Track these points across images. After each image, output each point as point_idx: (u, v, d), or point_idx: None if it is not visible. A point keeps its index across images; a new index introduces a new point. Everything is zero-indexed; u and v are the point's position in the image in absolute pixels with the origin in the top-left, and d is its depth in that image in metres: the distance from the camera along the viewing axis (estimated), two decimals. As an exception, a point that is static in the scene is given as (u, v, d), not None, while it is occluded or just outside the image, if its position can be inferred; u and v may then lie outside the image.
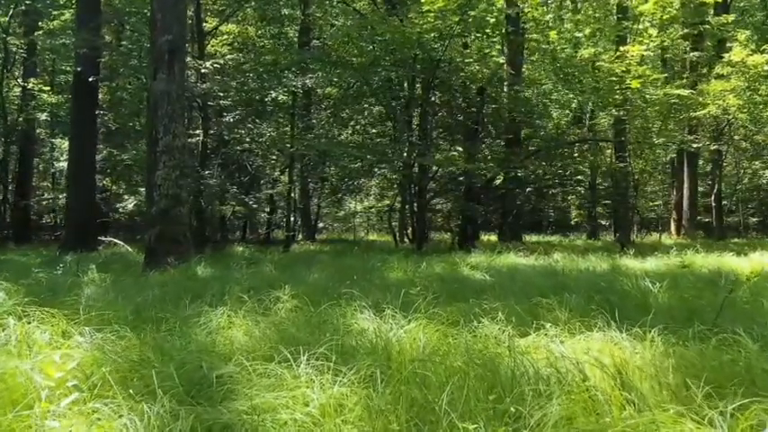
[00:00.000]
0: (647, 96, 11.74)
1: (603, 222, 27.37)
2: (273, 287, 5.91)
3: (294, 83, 15.21)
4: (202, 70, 13.84)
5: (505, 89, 17.50)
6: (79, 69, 14.22)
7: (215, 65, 14.07)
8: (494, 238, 21.85)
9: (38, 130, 22.56)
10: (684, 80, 12.53)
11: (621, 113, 12.13)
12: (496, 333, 3.98)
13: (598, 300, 5.51)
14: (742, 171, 24.68)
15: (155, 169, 8.21)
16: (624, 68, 11.40)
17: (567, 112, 20.29)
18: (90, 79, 13.77)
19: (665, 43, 15.94)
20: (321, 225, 27.33)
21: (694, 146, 13.93)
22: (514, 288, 6.30)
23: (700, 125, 15.74)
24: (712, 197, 21.83)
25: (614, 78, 11.79)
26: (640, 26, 13.63)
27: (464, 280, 6.93)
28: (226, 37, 18.97)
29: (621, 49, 11.56)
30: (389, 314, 4.24)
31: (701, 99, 12.92)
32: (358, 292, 5.51)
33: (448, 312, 4.95)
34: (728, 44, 20.44)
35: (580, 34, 16.42)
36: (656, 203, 23.59)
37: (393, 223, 21.44)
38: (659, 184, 26.56)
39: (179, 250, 8.19)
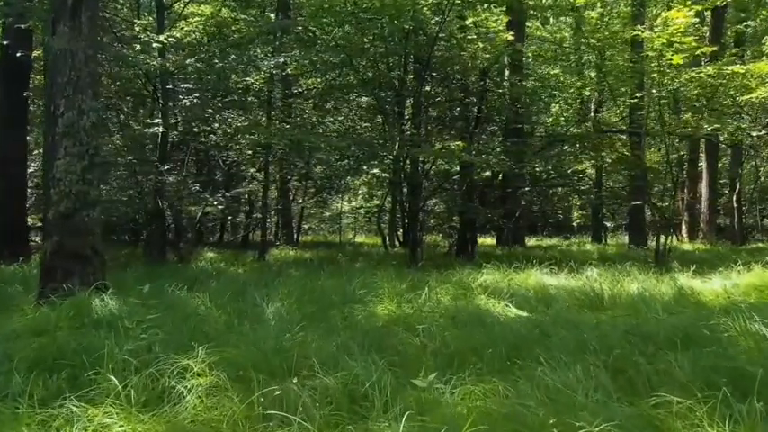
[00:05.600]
0: (694, 74, 9.63)
1: (607, 224, 25.34)
2: (190, 344, 3.66)
3: (267, 62, 12.93)
4: (154, 44, 11.51)
5: (507, 73, 15.38)
6: (6, 43, 11.84)
7: (170, 38, 11.75)
8: (490, 241, 19.78)
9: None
10: (732, 57, 10.44)
11: (662, 93, 9.99)
12: None
13: (720, 368, 3.34)
14: (762, 168, 22.69)
15: (53, 158, 5.95)
16: (665, 40, 9.28)
17: (577, 98, 18.18)
18: (18, 55, 11.41)
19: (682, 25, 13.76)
20: (307, 226, 25.11)
21: (753, 134, 11.88)
22: (567, 338, 4.11)
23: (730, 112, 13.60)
24: (733, 197, 19.79)
25: (651, 53, 9.66)
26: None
27: (486, 319, 4.73)
28: (198, 19, 16.70)
29: (663, 15, 9.46)
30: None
31: (745, 81, 10.81)
32: (323, 360, 3.27)
33: (484, 407, 2.74)
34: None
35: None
36: (666, 204, 21.48)
37: (383, 225, 19.25)
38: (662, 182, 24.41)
39: (86, 270, 5.92)
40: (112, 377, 2.96)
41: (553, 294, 6.40)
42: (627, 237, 21.76)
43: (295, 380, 3.00)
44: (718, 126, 10.11)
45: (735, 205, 19.74)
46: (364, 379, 2.97)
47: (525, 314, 5.22)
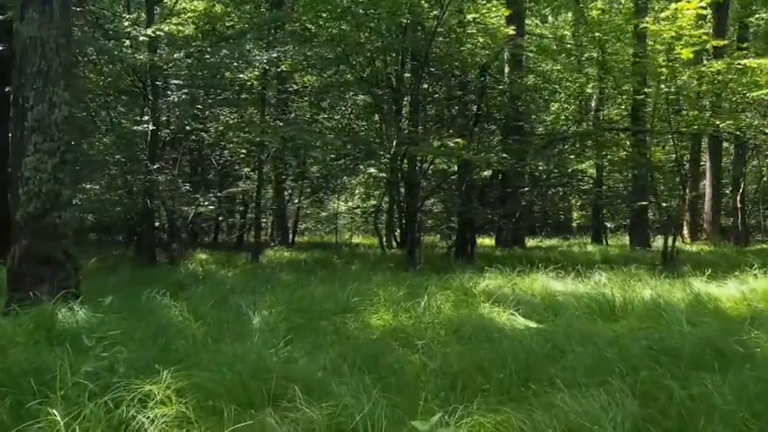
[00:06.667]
0: (704, 69, 9.20)
1: (608, 225, 24.93)
2: (156, 365, 3.21)
3: (260, 57, 12.47)
4: (141, 38, 11.05)
5: (507, 70, 14.97)
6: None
7: (158, 32, 11.28)
8: (489, 241, 19.35)
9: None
10: (743, 51, 10.00)
11: (672, 89, 9.57)
12: None
13: (763, 394, 2.91)
14: (765, 168, 22.25)
15: (22, 155, 5.50)
16: (675, 33, 8.85)
17: (578, 95, 17.74)
18: (-1, 48, 10.93)
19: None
20: (303, 226, 24.64)
21: None
22: (583, 355, 3.68)
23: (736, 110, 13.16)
24: (737, 197, 19.36)
25: (659, 47, 9.24)
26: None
27: (492, 332, 4.30)
28: (190, 15, 16.24)
29: (672, 6, 9.02)
30: None
31: (755, 77, 10.38)
32: (309, 385, 2.83)
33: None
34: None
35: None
36: (671, 204, 21.15)
37: (380, 225, 18.81)
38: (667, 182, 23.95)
39: (57, 276, 5.46)
40: (55, 411, 2.51)
41: (561, 301, 5.97)
42: (627, 237, 21.34)
43: (273, 411, 2.56)
44: (731, 122, 9.68)
45: (739, 205, 19.29)
46: (355, 411, 2.53)
47: (534, 325, 4.79)
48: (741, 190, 19.38)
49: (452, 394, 3.05)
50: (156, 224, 13.59)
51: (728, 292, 6.63)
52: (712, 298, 6.16)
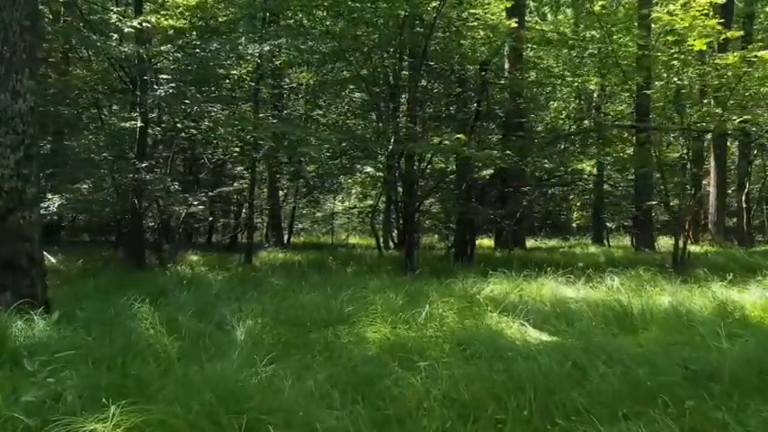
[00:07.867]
0: (719, 62, 8.72)
1: (609, 225, 24.49)
2: (115, 392, 2.71)
3: (252, 49, 11.96)
4: (125, 30, 10.52)
5: (507, 65, 14.52)
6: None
7: (144, 23, 10.76)
8: (488, 242, 18.90)
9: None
10: (760, 44, 9.52)
11: (685, 82, 9.10)
12: None
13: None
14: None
15: (-18, 150, 5.00)
16: (688, 23, 8.39)
17: (581, 92, 17.29)
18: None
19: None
20: (300, 226, 24.15)
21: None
22: (610, 377, 3.19)
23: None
24: (742, 196, 18.91)
25: (670, 38, 8.78)
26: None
27: (503, 348, 3.81)
28: (181, 9, 15.74)
29: (684, -7, 8.57)
30: None
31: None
32: (291, 418, 2.34)
33: None
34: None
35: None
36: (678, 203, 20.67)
37: (377, 226, 18.32)
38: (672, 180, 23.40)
39: (21, 282, 4.96)
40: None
41: (573, 309, 5.48)
42: (628, 238, 20.86)
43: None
44: (749, 117, 9.20)
45: (744, 205, 18.85)
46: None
47: (548, 338, 4.31)
48: (746, 190, 18.95)
49: (462, 428, 2.57)
50: (152, 224, 13.11)
51: (752, 298, 6.17)
52: (737, 306, 5.69)
